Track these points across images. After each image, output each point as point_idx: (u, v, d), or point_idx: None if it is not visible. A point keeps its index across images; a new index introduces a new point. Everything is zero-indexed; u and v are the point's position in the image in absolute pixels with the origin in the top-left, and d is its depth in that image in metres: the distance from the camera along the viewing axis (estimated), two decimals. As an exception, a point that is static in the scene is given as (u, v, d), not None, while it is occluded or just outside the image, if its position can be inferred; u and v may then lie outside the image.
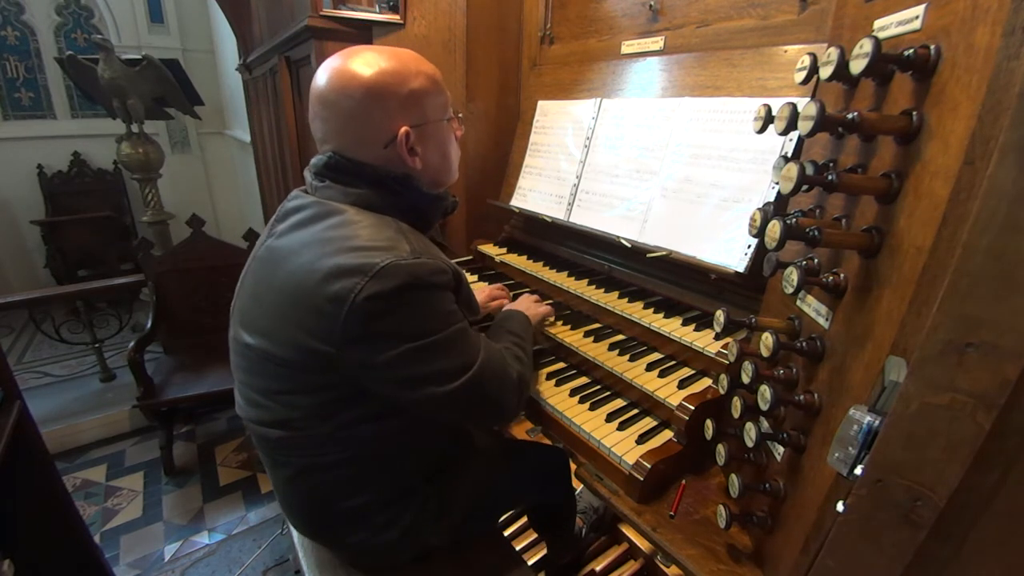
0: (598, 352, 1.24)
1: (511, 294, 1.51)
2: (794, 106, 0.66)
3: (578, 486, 1.89)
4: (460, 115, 1.01)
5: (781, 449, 0.81)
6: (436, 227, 1.12)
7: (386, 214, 0.88)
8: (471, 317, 0.96)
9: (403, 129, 0.87)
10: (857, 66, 0.59)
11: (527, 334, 1.15)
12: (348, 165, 0.88)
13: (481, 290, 1.44)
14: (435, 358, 0.83)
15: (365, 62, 0.86)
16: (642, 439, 1.07)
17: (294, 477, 0.97)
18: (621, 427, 1.10)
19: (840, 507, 0.57)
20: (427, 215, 0.97)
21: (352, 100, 0.85)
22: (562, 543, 1.58)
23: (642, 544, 1.66)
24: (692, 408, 0.99)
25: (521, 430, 2.15)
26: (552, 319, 1.38)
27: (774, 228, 0.64)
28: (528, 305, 1.31)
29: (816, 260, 0.74)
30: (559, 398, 1.21)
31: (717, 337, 1.11)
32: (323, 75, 0.87)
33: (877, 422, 0.53)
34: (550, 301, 1.45)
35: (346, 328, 0.77)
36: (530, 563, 1.65)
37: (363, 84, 0.85)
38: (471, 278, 1.71)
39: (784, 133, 0.69)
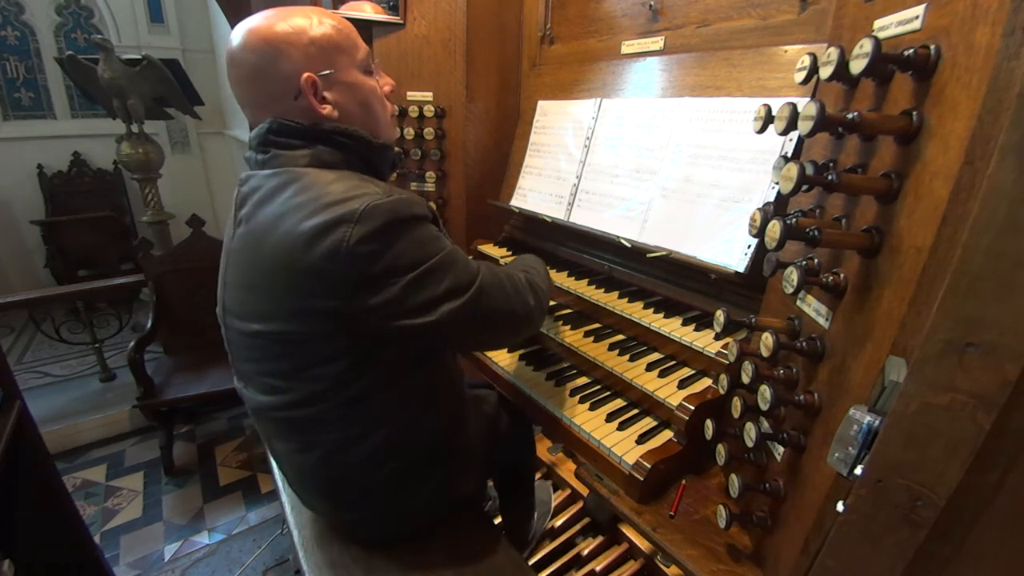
0: (598, 352, 1.24)
1: None
2: (794, 106, 0.66)
3: (579, 488, 1.89)
4: (376, 62, 1.00)
5: (781, 449, 0.81)
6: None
7: (340, 169, 0.89)
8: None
9: (305, 75, 0.86)
10: (857, 66, 0.59)
11: (539, 264, 1.20)
12: (293, 127, 0.88)
13: None
14: (442, 278, 0.84)
15: (268, 18, 0.86)
16: (642, 439, 1.07)
17: (326, 457, 0.98)
18: (621, 427, 1.10)
19: (840, 507, 0.57)
20: (377, 166, 0.97)
21: (255, 54, 0.85)
22: (522, 508, 1.63)
23: (642, 544, 1.66)
24: (692, 408, 0.99)
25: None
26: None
27: (774, 228, 0.64)
28: None
29: (816, 260, 0.74)
30: (559, 398, 1.21)
31: (717, 337, 1.11)
32: (233, 35, 0.87)
33: (877, 422, 0.53)
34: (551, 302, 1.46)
35: (347, 277, 0.79)
36: (530, 563, 1.65)
37: (263, 37, 0.85)
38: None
39: (784, 133, 0.69)
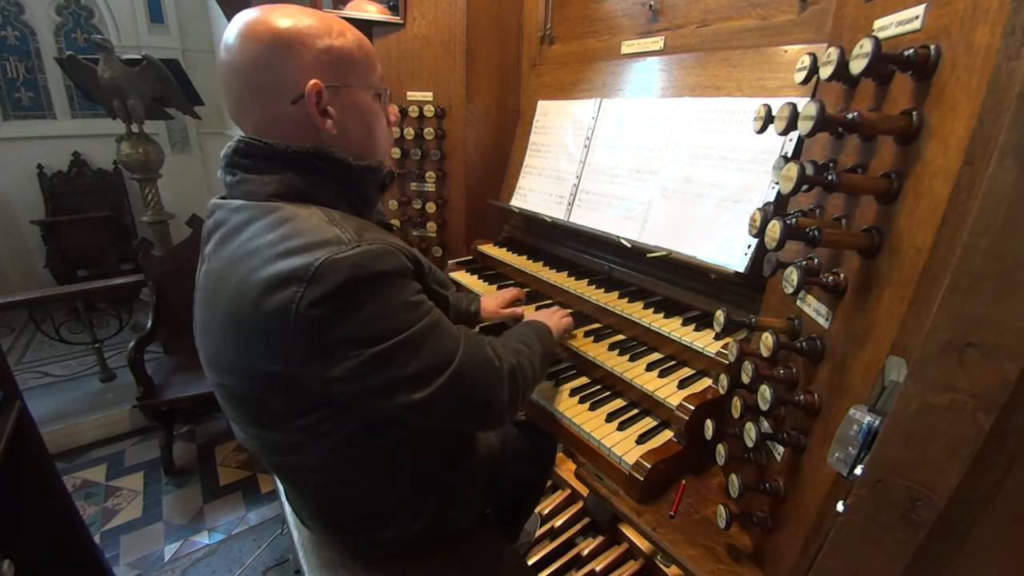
0: (598, 352, 1.24)
1: (523, 293, 1.52)
2: (794, 106, 0.66)
3: (579, 488, 1.89)
4: (389, 91, 0.92)
5: (781, 449, 0.81)
6: (379, 207, 1.01)
7: (313, 201, 0.78)
8: (444, 291, 0.90)
9: (313, 81, 0.76)
10: (857, 66, 0.59)
11: (539, 336, 1.08)
12: (262, 148, 0.77)
13: (495, 297, 1.43)
14: (406, 360, 0.73)
15: (283, 14, 0.77)
16: (642, 439, 1.07)
17: (318, 495, 0.96)
18: (621, 427, 1.10)
19: (840, 507, 0.57)
20: (363, 191, 0.86)
21: (258, 43, 0.74)
22: (513, 528, 1.56)
23: (642, 544, 1.66)
24: (692, 408, 0.99)
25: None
26: (573, 331, 1.32)
27: (774, 228, 0.64)
28: (549, 316, 1.24)
29: (816, 260, 0.74)
30: (559, 398, 1.21)
31: (717, 337, 1.11)
32: (232, 24, 0.77)
33: (877, 422, 0.53)
34: (570, 311, 1.36)
35: (297, 344, 0.69)
36: (530, 563, 1.65)
37: (273, 29, 0.75)
38: (471, 278, 1.71)
39: (784, 133, 0.69)
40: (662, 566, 1.59)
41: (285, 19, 0.76)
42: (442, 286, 0.92)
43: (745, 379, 0.80)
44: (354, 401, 0.76)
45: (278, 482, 1.35)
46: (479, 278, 1.71)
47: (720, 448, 0.86)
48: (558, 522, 1.80)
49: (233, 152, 0.79)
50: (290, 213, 0.74)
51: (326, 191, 0.80)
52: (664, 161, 1.29)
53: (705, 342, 1.11)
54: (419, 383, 0.75)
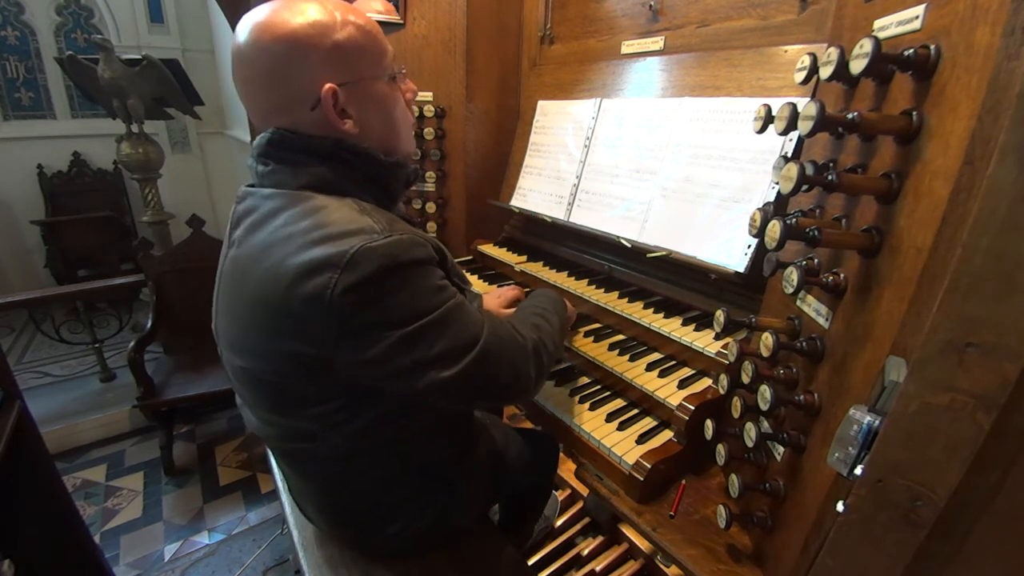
0: (598, 352, 1.24)
1: (524, 293, 1.51)
2: (794, 106, 0.66)
3: (579, 488, 1.89)
4: (403, 70, 0.90)
5: (781, 449, 0.81)
6: (402, 205, 1.01)
7: (344, 193, 0.79)
8: (463, 285, 0.91)
9: (327, 86, 0.76)
10: (857, 66, 0.59)
11: (555, 307, 1.07)
12: (295, 140, 0.78)
13: (498, 296, 1.42)
14: (434, 340, 0.75)
15: (285, 12, 0.76)
16: (642, 439, 1.07)
17: (326, 486, 0.96)
18: (621, 427, 1.10)
19: (840, 507, 0.57)
20: (389, 186, 0.88)
21: (268, 55, 0.75)
22: (525, 523, 1.56)
23: (642, 544, 1.66)
24: (692, 408, 0.99)
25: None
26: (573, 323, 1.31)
27: (774, 228, 0.64)
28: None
29: (816, 260, 0.74)
30: (559, 398, 1.21)
31: (717, 337, 1.11)
32: (241, 28, 0.77)
33: (877, 422, 0.53)
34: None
35: (330, 328, 0.71)
36: (530, 563, 1.65)
37: (279, 37, 0.74)
38: (471, 278, 1.71)
39: (784, 133, 0.69)
40: (662, 566, 1.59)
41: (289, 19, 0.75)
42: (461, 280, 0.93)
43: (745, 379, 0.80)
44: (381, 383, 0.78)
45: (279, 480, 1.35)
46: (479, 278, 1.71)
47: (720, 448, 0.86)
48: (558, 522, 1.80)
49: (267, 143, 0.80)
50: (322, 202, 0.76)
51: (354, 184, 0.82)
52: (664, 161, 1.29)
53: (705, 342, 1.11)
54: (447, 362, 0.76)
